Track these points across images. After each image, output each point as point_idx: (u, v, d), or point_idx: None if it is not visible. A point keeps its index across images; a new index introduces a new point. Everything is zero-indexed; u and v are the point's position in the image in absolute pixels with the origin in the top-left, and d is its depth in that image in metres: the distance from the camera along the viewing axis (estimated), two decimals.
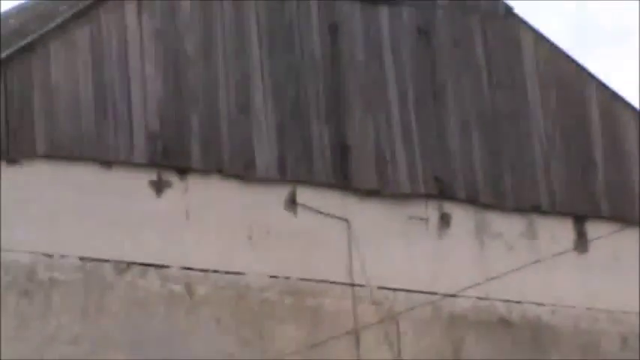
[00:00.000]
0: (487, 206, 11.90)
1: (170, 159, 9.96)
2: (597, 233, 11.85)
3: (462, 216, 11.75)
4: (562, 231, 12.10)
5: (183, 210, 10.02)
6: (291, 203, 10.64)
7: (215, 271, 10.01)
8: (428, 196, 11.58)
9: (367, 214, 11.14)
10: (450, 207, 11.67)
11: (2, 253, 8.78)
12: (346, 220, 10.88)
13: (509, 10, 12.55)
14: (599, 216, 12.34)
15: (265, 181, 10.56)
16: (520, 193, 12.01)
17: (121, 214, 9.59)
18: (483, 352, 11.51)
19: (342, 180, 11.05)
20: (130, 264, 9.58)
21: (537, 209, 12.03)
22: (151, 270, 9.65)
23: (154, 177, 9.85)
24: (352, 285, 10.79)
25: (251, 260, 10.27)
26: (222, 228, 10.17)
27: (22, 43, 9.36)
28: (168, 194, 9.98)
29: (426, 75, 11.85)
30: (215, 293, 10.03)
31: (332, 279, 10.74)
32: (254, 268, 10.19)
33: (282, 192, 10.65)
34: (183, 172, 10.05)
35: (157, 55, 10.03)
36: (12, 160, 9.02)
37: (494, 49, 12.32)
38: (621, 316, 11.91)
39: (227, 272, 10.04)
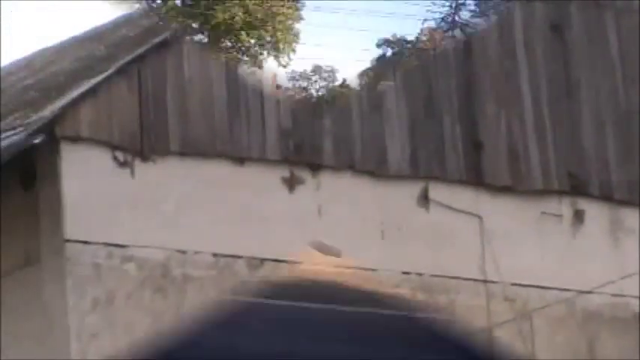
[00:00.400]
0: (621, 202, 10.85)
1: (302, 155, 9.39)
2: None
3: (595, 212, 10.80)
4: None
5: (316, 206, 9.37)
6: (424, 199, 9.86)
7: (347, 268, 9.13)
8: (561, 193, 10.65)
9: (500, 210, 10.27)
10: (583, 203, 10.71)
11: (136, 250, 8.38)
12: (479, 217, 10.03)
13: None
14: None
15: (397, 177, 9.79)
16: None
17: (253, 210, 9.06)
18: (618, 349, 10.52)
19: (475, 176, 10.15)
20: (262, 260, 8.96)
21: None
22: (284, 266, 8.86)
23: (286, 174, 9.27)
24: (485, 282, 9.98)
25: (383, 256, 9.45)
26: (354, 224, 9.47)
27: (156, 40, 8.75)
28: (301, 190, 9.37)
29: (559, 71, 10.93)
30: None
31: (465, 275, 9.94)
32: (386, 264, 9.36)
33: (414, 188, 9.88)
34: (315, 168, 9.43)
35: None
36: (146, 158, 8.50)
37: (628, 44, 11.18)
38: None
39: (359, 269, 9.15)
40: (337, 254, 3.48)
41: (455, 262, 9.82)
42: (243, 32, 32.00)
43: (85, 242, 7.98)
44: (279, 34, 32.85)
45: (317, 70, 76.63)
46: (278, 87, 63.60)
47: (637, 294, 10.39)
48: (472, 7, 28.13)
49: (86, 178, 8.07)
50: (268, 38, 33.30)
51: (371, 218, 9.56)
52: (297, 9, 34.23)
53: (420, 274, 9.66)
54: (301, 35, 36.86)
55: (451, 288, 9.79)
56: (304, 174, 9.28)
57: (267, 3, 31.99)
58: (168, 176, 8.59)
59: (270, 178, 9.11)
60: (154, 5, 31.95)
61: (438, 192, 9.94)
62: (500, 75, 10.59)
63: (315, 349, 2.72)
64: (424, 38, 57.51)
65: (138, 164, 8.40)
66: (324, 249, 3.50)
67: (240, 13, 31.19)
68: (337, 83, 72.34)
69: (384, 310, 3.04)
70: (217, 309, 2.71)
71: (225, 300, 2.85)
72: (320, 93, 75.37)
